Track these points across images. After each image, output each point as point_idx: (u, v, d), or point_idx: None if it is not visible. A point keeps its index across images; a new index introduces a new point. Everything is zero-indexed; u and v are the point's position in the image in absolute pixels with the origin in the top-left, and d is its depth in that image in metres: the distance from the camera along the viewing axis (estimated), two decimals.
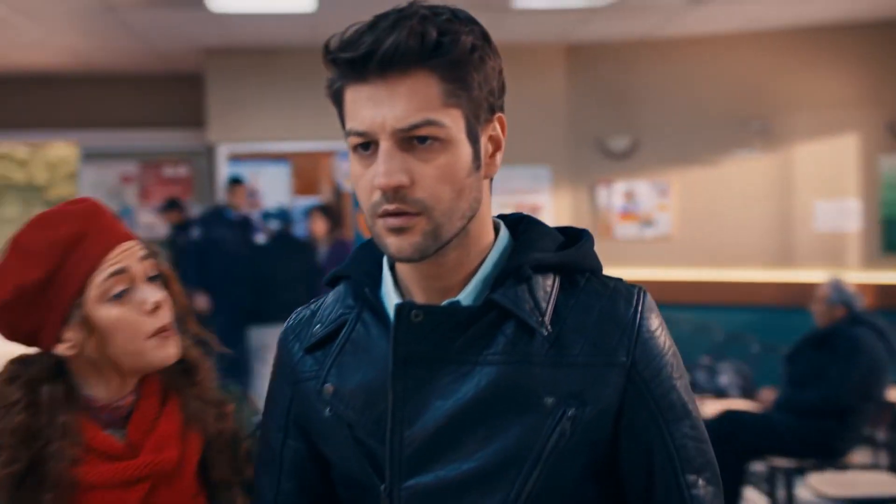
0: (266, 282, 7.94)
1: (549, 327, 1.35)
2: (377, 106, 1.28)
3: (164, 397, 1.68)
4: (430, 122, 1.28)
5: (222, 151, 9.09)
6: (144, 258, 1.65)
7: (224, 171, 9.05)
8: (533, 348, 1.34)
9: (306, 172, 9.98)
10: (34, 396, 1.60)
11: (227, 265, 8.05)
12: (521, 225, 1.45)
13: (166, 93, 10.16)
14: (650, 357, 1.36)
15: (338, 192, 9.79)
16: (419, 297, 1.39)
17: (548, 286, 1.37)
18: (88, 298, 1.60)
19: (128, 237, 1.65)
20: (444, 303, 1.37)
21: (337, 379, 1.42)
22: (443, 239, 1.31)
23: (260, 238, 8.57)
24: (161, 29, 7.98)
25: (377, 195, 1.29)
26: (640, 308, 1.37)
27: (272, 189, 9.59)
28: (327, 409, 1.41)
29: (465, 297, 1.37)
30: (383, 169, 1.28)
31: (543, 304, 1.36)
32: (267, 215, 9.33)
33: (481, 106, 1.33)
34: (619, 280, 1.41)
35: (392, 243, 1.31)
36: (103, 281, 1.60)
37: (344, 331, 1.43)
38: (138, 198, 10.29)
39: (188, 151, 10.08)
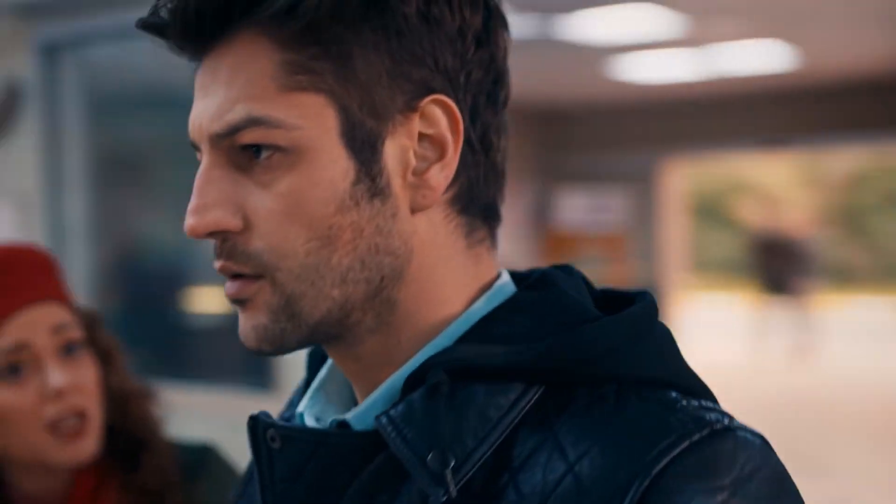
0: None
1: (453, 490, 0.73)
2: (202, 97, 0.79)
3: (98, 490, 1.35)
4: (254, 121, 0.76)
5: None
6: (60, 329, 1.32)
7: None
8: None
9: None
10: None
11: None
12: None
13: None
14: None
15: None
16: (360, 401, 0.86)
17: (497, 408, 0.76)
18: None
19: (39, 298, 1.33)
20: (330, 421, 0.83)
21: None
22: (308, 319, 0.78)
23: None
24: None
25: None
26: (654, 471, 0.68)
27: None
28: None
29: (360, 414, 0.81)
30: (191, 203, 0.78)
31: (468, 444, 0.74)
32: None
33: (379, 86, 0.77)
34: (669, 406, 0.73)
35: (239, 324, 0.81)
36: None
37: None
38: None
39: None
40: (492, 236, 0.85)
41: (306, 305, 0.77)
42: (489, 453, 0.74)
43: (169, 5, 0.77)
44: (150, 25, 0.79)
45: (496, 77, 0.82)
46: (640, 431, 0.70)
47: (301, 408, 0.87)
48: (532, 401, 0.75)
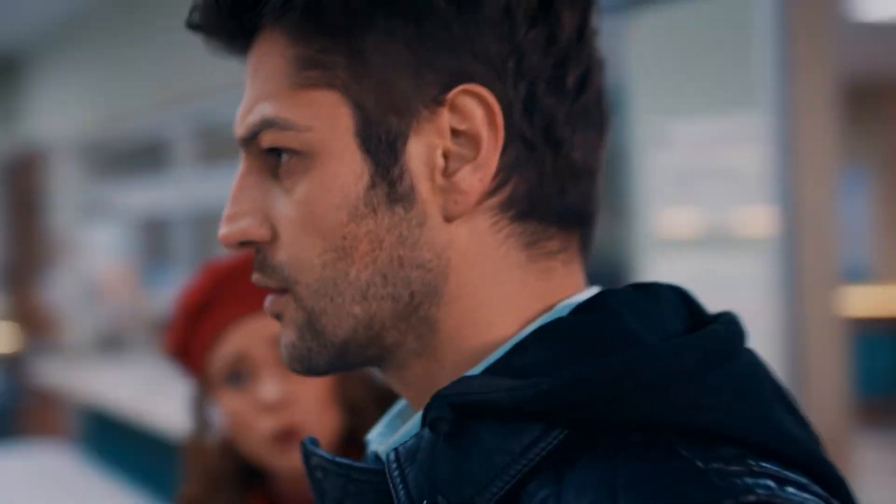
0: None
1: None
2: (244, 98, 0.75)
3: None
4: (268, 123, 0.70)
5: None
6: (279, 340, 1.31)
7: None
8: None
9: None
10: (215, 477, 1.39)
11: None
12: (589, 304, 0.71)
13: None
14: None
15: None
16: None
17: (505, 453, 0.63)
18: (213, 378, 1.33)
19: (259, 308, 1.31)
20: (369, 452, 0.77)
21: None
22: (332, 338, 0.71)
23: None
24: None
25: None
26: None
27: None
28: None
29: (391, 446, 0.71)
30: (225, 211, 0.74)
31: (466, 492, 0.63)
32: None
33: (399, 79, 0.68)
34: (702, 466, 0.58)
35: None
36: (217, 363, 1.32)
37: None
38: None
39: None
40: (580, 246, 0.73)
41: (328, 323, 0.70)
42: None
43: (200, 4, 0.73)
44: (193, 26, 0.75)
45: (560, 60, 0.69)
46: (642, 497, 0.57)
47: (371, 435, 0.80)
48: (551, 446, 0.63)
